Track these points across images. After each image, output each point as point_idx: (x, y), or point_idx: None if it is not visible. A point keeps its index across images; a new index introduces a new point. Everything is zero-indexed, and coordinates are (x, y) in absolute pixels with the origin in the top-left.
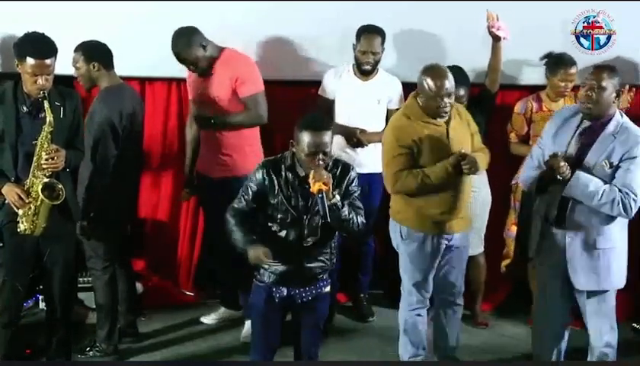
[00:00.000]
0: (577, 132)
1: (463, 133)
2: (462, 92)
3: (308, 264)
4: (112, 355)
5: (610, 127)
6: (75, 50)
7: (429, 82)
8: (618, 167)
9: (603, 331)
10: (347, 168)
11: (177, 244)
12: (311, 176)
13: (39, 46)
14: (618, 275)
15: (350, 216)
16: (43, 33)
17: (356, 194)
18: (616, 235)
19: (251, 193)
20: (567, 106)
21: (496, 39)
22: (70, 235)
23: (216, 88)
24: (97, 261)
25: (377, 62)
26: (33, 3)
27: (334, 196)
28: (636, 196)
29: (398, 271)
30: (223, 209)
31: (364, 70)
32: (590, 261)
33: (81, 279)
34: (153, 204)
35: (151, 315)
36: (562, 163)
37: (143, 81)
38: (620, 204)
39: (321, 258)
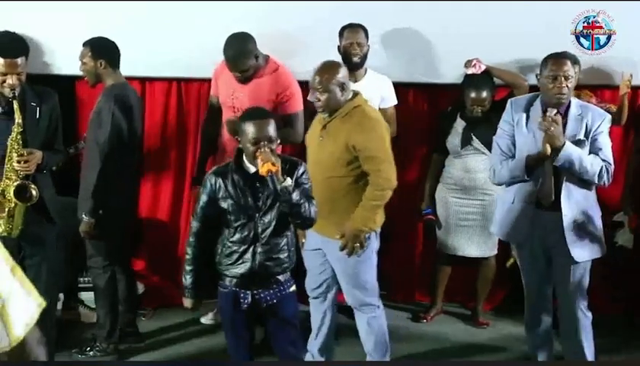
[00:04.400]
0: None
1: (334, 139)
2: (484, 95)
3: (266, 263)
4: (112, 355)
5: (574, 109)
6: (84, 45)
7: None
8: (593, 141)
9: (578, 303)
10: (295, 162)
11: (177, 244)
12: (259, 159)
13: (8, 45)
14: (603, 243)
15: (302, 201)
16: (14, 32)
17: (306, 186)
18: (597, 206)
19: (201, 203)
20: (519, 97)
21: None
22: (52, 236)
23: (256, 97)
24: (98, 259)
25: (365, 56)
26: (34, 3)
27: (284, 179)
28: (610, 165)
29: (397, 271)
30: None
31: (354, 63)
32: (586, 234)
33: (81, 279)
34: (153, 204)
35: (151, 315)
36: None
37: (143, 81)
38: (605, 172)
39: (278, 256)
